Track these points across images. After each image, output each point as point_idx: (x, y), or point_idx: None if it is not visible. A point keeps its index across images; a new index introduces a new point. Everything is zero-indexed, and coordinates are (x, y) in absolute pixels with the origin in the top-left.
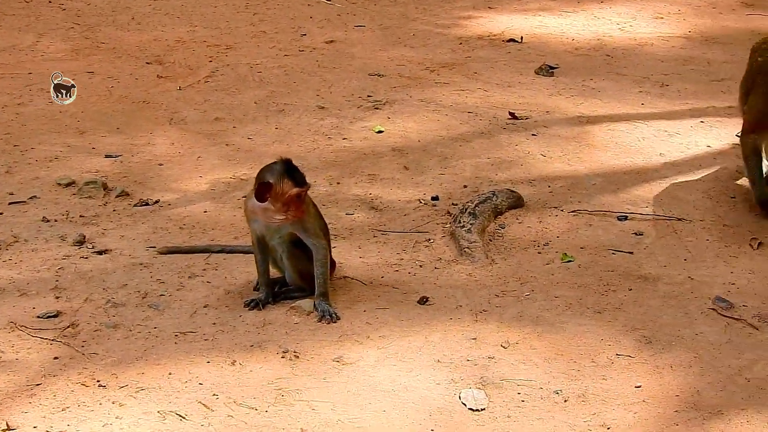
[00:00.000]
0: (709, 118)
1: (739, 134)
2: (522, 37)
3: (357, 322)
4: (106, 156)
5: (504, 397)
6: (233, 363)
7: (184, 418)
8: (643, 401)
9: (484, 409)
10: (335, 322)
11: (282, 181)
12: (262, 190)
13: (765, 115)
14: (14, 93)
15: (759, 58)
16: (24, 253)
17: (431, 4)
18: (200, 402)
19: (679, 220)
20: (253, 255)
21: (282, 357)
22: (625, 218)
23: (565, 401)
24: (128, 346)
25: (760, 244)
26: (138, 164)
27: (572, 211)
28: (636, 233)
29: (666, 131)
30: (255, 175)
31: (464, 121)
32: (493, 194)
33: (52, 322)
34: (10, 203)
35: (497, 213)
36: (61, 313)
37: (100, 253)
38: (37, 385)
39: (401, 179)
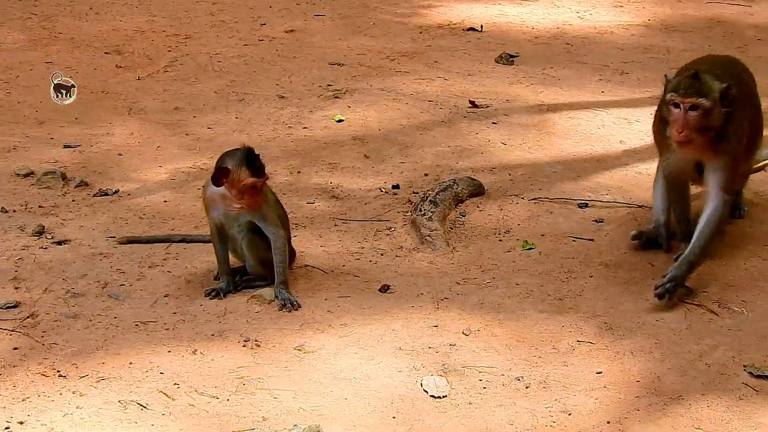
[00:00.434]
0: None
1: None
2: (482, 26)
3: (318, 310)
4: (65, 146)
5: (466, 384)
6: (194, 352)
7: (145, 407)
8: (604, 387)
9: (445, 396)
10: (296, 311)
11: (240, 169)
12: (219, 175)
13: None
14: None
15: None
16: None
17: None
18: (161, 391)
19: (639, 207)
20: (212, 244)
21: (243, 346)
22: (586, 206)
23: (527, 387)
24: (88, 336)
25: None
26: (97, 154)
27: (533, 199)
28: (596, 220)
29: (626, 119)
30: (215, 164)
31: (425, 110)
32: (454, 182)
33: (12, 312)
34: None
35: (458, 201)
36: (20, 303)
37: (59, 243)
38: None
39: (362, 168)
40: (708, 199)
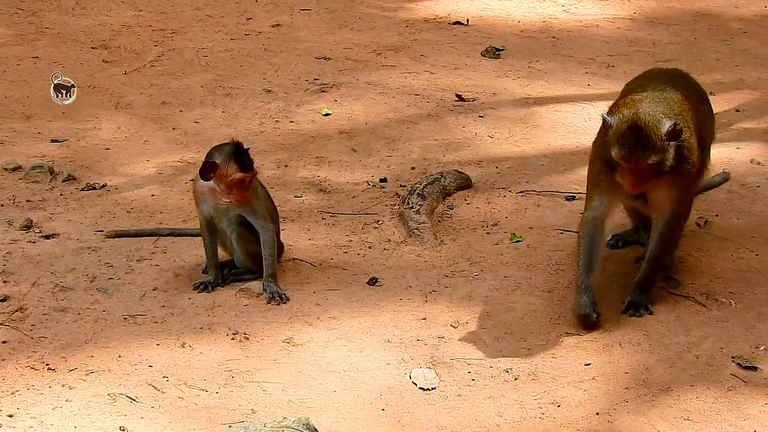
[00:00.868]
0: None
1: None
2: (468, 20)
3: (307, 303)
4: (53, 141)
5: (454, 376)
6: (183, 345)
7: (134, 400)
8: (593, 379)
9: (434, 388)
10: (285, 304)
11: (228, 164)
12: (207, 168)
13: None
14: None
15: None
16: None
17: None
18: (150, 384)
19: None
20: (201, 238)
21: (232, 339)
22: (573, 198)
23: (516, 379)
24: (77, 329)
25: (706, 221)
26: (85, 149)
27: (520, 192)
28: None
29: None
30: (203, 158)
31: (411, 104)
32: (442, 175)
33: (0, 306)
34: None
35: (446, 194)
36: (9, 297)
37: (47, 237)
38: None
39: (349, 161)
40: (659, 217)
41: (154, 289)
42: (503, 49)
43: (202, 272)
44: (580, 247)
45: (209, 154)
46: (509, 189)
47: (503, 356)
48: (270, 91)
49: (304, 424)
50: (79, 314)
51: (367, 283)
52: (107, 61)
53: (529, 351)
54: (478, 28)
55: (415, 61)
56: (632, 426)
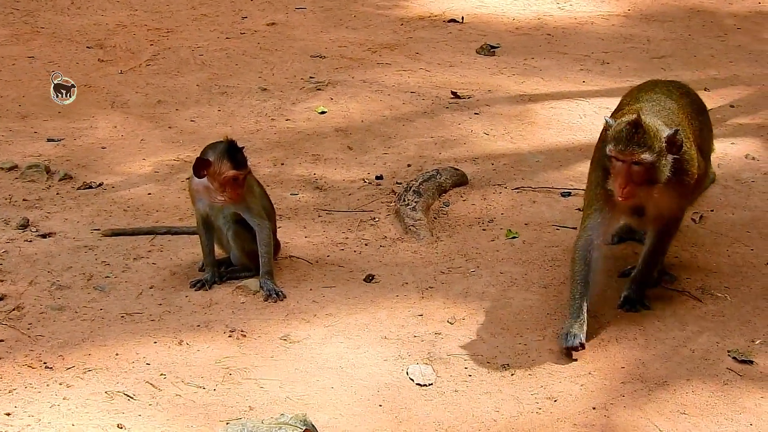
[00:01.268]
0: None
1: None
2: (463, 18)
3: (303, 300)
4: (49, 140)
5: (451, 372)
6: (180, 343)
7: (132, 397)
8: (589, 374)
9: (431, 384)
10: (282, 301)
11: (221, 161)
12: (200, 166)
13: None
14: None
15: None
16: None
17: None
18: (148, 382)
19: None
20: (197, 236)
21: (229, 336)
22: (569, 194)
23: (512, 375)
24: (74, 327)
25: (701, 217)
26: (81, 148)
27: (516, 188)
28: (579, 209)
29: (607, 108)
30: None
31: (407, 101)
32: (437, 172)
33: None
34: None
35: (441, 191)
36: (6, 296)
37: (44, 236)
38: None
39: (345, 159)
40: (654, 224)
41: (150, 287)
42: (498, 47)
43: (199, 270)
44: (574, 271)
45: (203, 152)
46: (505, 185)
47: (500, 352)
48: (266, 89)
49: (301, 421)
50: (76, 312)
51: (364, 280)
52: (103, 61)
53: (526, 346)
54: (473, 25)
55: (410, 58)
56: (629, 420)
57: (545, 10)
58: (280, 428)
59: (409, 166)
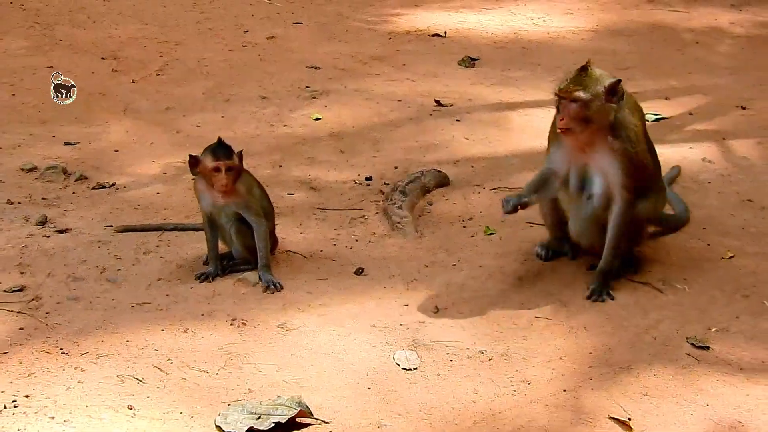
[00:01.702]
0: None
1: None
2: (446, 32)
3: (299, 291)
4: (66, 143)
5: (434, 357)
6: (186, 330)
7: (141, 381)
8: (561, 359)
9: (416, 368)
10: (279, 292)
11: (205, 156)
12: (191, 162)
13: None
14: None
15: None
16: None
17: (363, 3)
18: (156, 366)
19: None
20: (202, 232)
21: (230, 324)
22: None
23: (490, 360)
24: (88, 316)
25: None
26: (95, 151)
27: (493, 189)
28: None
29: None
30: None
31: (394, 109)
32: (422, 174)
33: (18, 295)
34: None
35: (425, 191)
36: (25, 287)
37: (61, 232)
38: (4, 353)
39: (338, 161)
40: (610, 203)
41: (159, 279)
42: (478, 59)
43: (203, 263)
44: (533, 178)
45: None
46: (483, 186)
47: (478, 339)
48: (265, 97)
49: (296, 402)
50: (90, 302)
51: (354, 272)
52: (116, 71)
53: (502, 334)
54: (455, 39)
55: (397, 69)
56: (596, 401)
57: (521, 25)
58: (277, 409)
59: (396, 168)
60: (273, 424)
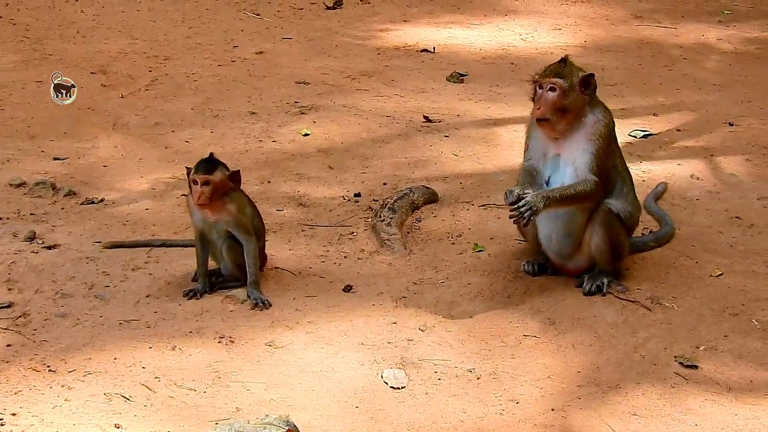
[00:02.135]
0: None
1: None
2: (434, 48)
3: (287, 309)
4: (55, 158)
5: (422, 375)
6: (173, 348)
7: (128, 399)
8: (549, 377)
9: (404, 387)
10: (267, 309)
11: (190, 170)
12: (187, 173)
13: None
14: None
15: None
16: None
17: (352, 18)
18: (143, 384)
19: None
20: (190, 249)
21: (218, 342)
22: None
23: (478, 378)
24: (76, 333)
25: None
26: (84, 166)
27: (482, 205)
28: None
29: None
30: None
31: (383, 124)
32: (410, 190)
33: (5, 312)
34: None
35: (414, 207)
36: (13, 303)
37: (49, 248)
38: None
39: (326, 178)
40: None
41: (147, 296)
42: (466, 75)
43: (192, 280)
44: (520, 175)
45: None
46: (472, 203)
47: (467, 357)
48: (254, 113)
49: (284, 421)
50: (78, 319)
51: (343, 290)
52: (105, 86)
53: (491, 352)
54: (443, 55)
55: (386, 85)
56: (585, 421)
57: (509, 41)
58: (265, 428)
59: (384, 184)
60: None
